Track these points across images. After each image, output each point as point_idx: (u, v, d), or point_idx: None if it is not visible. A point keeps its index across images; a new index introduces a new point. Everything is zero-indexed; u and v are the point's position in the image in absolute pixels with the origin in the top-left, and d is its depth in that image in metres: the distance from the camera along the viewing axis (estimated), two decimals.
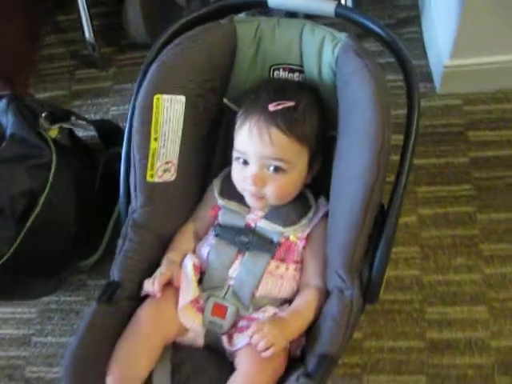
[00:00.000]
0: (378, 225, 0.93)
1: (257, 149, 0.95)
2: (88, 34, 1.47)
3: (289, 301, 0.99)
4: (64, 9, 1.69)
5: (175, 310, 0.97)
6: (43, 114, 1.22)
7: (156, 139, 0.99)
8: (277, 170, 0.95)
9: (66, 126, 1.30)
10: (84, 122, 1.32)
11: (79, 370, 0.91)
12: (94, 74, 1.58)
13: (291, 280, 0.99)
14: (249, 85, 1.06)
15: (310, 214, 1.01)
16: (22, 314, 1.39)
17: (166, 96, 0.97)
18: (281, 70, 1.04)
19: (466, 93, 1.37)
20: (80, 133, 1.43)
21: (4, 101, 1.19)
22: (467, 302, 1.21)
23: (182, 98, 0.99)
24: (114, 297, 0.98)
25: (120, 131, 1.43)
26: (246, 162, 0.98)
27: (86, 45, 1.49)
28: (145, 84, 0.97)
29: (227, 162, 1.11)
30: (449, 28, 1.25)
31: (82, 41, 1.61)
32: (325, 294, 0.96)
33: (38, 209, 1.18)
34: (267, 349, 0.86)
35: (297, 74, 1.03)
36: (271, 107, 0.94)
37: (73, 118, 1.31)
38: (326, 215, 1.00)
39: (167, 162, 1.02)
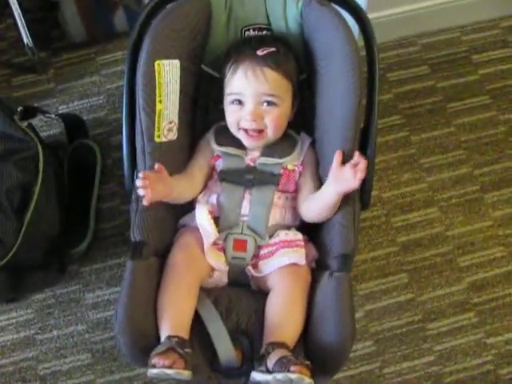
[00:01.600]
0: (362, 140, 1.14)
1: (253, 87, 1.10)
2: (26, 39, 1.49)
3: (292, 226, 1.16)
4: None
5: (202, 252, 1.08)
6: (18, 110, 1.25)
7: (160, 101, 1.10)
8: (270, 104, 1.10)
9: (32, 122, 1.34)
10: (52, 116, 1.37)
11: (133, 324, 1.00)
12: (33, 78, 1.60)
13: (292, 209, 1.16)
14: (223, 49, 1.19)
15: (299, 145, 1.17)
16: (19, 317, 1.39)
17: (165, 61, 1.09)
18: (251, 30, 1.19)
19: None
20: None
21: None
22: (421, 206, 1.47)
23: (177, 62, 1.11)
24: (143, 253, 1.07)
25: (83, 123, 1.50)
26: (240, 103, 1.11)
27: (26, 50, 1.51)
28: (143, 55, 1.08)
29: (208, 123, 1.24)
30: None
31: (8, 50, 1.66)
32: None
33: (34, 199, 1.23)
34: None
35: (265, 32, 1.19)
36: (259, 52, 1.10)
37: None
38: (310, 145, 1.18)
39: (170, 122, 1.13)
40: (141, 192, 1.01)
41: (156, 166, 1.05)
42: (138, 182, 1.01)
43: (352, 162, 1.02)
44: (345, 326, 0.99)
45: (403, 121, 1.55)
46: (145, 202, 1.02)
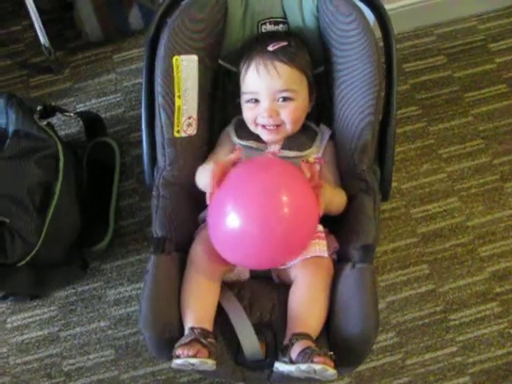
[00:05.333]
0: (381, 131, 1.14)
1: (267, 84, 1.10)
2: (43, 39, 1.51)
3: None
4: None
5: None
6: (38, 109, 1.26)
7: (179, 97, 1.11)
8: (285, 99, 1.10)
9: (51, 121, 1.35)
10: (71, 114, 1.38)
11: (157, 317, 1.01)
12: (50, 78, 1.62)
13: None
14: (240, 43, 1.19)
15: (319, 137, 1.17)
16: (42, 314, 1.40)
17: (183, 56, 1.09)
18: (267, 23, 1.19)
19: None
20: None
21: (2, 99, 1.22)
22: (440, 197, 1.46)
23: (195, 57, 1.12)
24: (165, 248, 1.08)
25: (102, 121, 1.51)
26: (256, 101, 1.12)
27: (42, 50, 1.53)
28: (161, 51, 1.09)
29: (226, 118, 1.25)
30: None
31: (25, 51, 1.68)
32: None
33: (56, 197, 1.24)
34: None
35: (281, 26, 1.19)
36: (270, 48, 1.10)
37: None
38: (330, 137, 1.18)
39: (189, 117, 1.14)
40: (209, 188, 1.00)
41: (235, 153, 1.02)
42: (212, 178, 0.99)
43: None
44: (368, 317, 0.99)
45: (420, 111, 1.54)
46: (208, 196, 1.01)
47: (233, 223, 0.94)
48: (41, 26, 1.51)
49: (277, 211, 0.94)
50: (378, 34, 1.11)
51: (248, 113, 1.14)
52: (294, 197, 0.96)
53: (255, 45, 1.13)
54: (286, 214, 0.94)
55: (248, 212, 0.95)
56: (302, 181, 1.00)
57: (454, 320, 1.36)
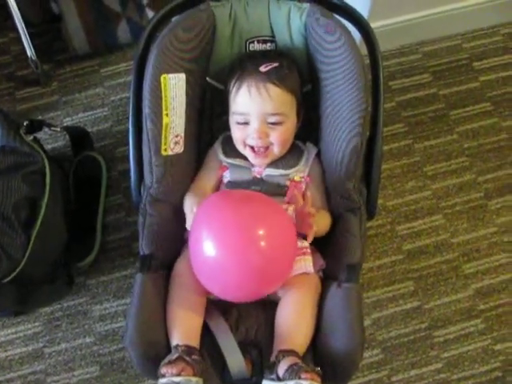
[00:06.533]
0: (367, 151, 1.15)
1: (258, 106, 1.10)
2: (29, 51, 1.50)
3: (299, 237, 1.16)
4: None
5: None
6: (25, 124, 1.26)
7: (167, 115, 1.10)
8: (275, 123, 1.11)
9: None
10: (58, 129, 1.37)
11: (143, 336, 1.01)
12: (37, 91, 1.61)
13: None
14: (228, 61, 1.20)
15: (305, 155, 1.18)
16: (26, 330, 1.39)
17: (171, 75, 1.09)
18: (255, 42, 1.19)
19: None
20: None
21: None
22: (425, 214, 1.48)
23: (183, 76, 1.11)
24: (152, 266, 1.08)
25: (88, 135, 1.50)
26: (246, 123, 1.12)
27: (29, 63, 1.52)
28: (149, 69, 1.08)
29: (213, 135, 1.26)
30: None
31: (12, 63, 1.67)
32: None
33: (42, 213, 1.23)
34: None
35: (269, 44, 1.19)
36: (262, 68, 1.10)
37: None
38: (316, 155, 1.19)
39: (177, 135, 1.13)
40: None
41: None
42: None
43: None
44: (354, 336, 1.00)
45: (406, 129, 1.56)
46: None
47: (209, 255, 0.95)
48: (28, 38, 1.50)
49: (253, 244, 0.94)
50: (364, 50, 1.13)
51: (237, 133, 1.15)
52: (272, 230, 0.96)
53: (246, 64, 1.13)
54: (263, 247, 0.94)
55: (224, 245, 0.95)
56: (281, 214, 1.02)
57: (439, 337, 1.37)
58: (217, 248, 0.94)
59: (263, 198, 1.03)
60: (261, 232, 0.95)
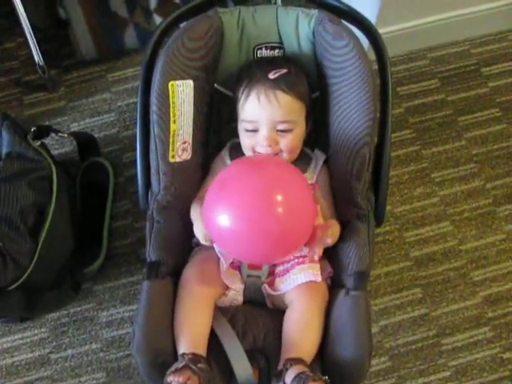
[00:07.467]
0: (375, 157, 1.14)
1: (267, 113, 1.09)
2: (37, 57, 1.51)
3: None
4: None
5: (215, 269, 1.08)
6: (32, 130, 1.26)
7: (175, 121, 1.10)
8: (284, 130, 1.11)
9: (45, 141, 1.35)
10: (65, 135, 1.37)
11: (150, 343, 1.01)
12: (44, 96, 1.62)
13: None
14: (236, 67, 1.19)
15: (314, 162, 1.18)
16: (33, 336, 1.39)
17: (178, 82, 1.09)
18: (263, 48, 1.19)
19: None
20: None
21: None
22: (433, 221, 1.47)
23: (191, 82, 1.11)
24: (159, 273, 1.08)
25: (95, 141, 1.50)
26: (255, 131, 1.12)
27: (37, 68, 1.53)
28: (157, 76, 1.08)
29: (220, 141, 1.25)
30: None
31: (19, 68, 1.67)
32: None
33: (49, 219, 1.23)
34: None
35: (277, 51, 1.19)
36: (271, 75, 1.10)
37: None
38: (324, 162, 1.18)
39: (184, 142, 1.13)
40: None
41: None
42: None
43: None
44: (362, 344, 1.00)
45: (414, 135, 1.55)
46: None
47: (225, 221, 0.95)
48: (35, 44, 1.50)
49: (270, 211, 0.94)
50: (372, 56, 1.12)
51: (246, 140, 1.14)
52: (289, 196, 0.96)
53: (255, 71, 1.13)
54: (279, 214, 0.94)
55: (240, 210, 0.95)
56: (299, 179, 1.02)
57: (447, 344, 1.36)
58: (231, 213, 0.95)
59: (281, 162, 1.06)
60: (278, 197, 0.94)
